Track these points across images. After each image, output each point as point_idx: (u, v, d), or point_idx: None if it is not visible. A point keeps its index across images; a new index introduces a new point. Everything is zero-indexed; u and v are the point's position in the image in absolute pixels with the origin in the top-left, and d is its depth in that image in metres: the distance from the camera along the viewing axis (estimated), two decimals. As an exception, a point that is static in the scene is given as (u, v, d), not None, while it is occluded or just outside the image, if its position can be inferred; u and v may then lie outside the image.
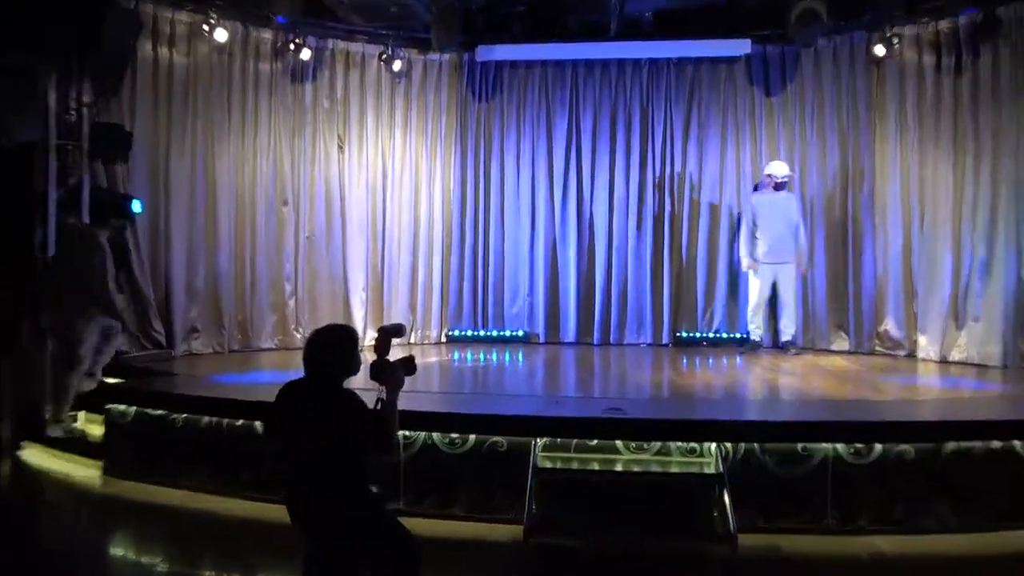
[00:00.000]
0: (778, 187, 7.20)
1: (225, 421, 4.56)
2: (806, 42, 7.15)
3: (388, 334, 2.96)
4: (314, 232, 7.52)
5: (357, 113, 7.74)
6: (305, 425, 2.83)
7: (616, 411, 4.36)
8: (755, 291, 7.28)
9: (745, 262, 7.29)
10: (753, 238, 7.24)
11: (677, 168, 7.91)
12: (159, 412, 4.77)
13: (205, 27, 6.72)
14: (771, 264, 7.18)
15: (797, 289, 7.26)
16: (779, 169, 7.21)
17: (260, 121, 7.22)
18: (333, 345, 2.91)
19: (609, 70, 7.93)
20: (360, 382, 3.02)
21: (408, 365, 2.93)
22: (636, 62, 7.87)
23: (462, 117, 8.05)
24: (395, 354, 2.91)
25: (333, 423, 2.80)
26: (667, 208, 7.87)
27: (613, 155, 7.94)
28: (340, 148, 7.69)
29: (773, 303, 7.35)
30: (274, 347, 7.18)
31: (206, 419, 4.62)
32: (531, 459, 4.10)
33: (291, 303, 7.36)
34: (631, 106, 7.93)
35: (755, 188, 7.46)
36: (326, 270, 7.58)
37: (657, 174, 7.88)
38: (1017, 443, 4.07)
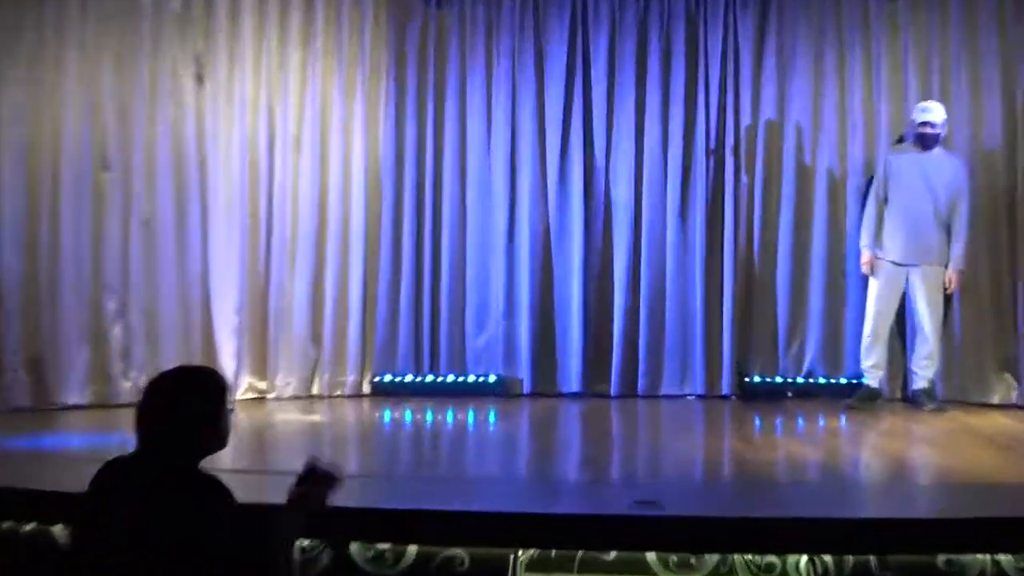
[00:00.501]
0: (926, 141, 7.26)
1: (3, 525, 4.50)
2: None
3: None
4: (155, 215, 7.49)
5: (227, 26, 7.73)
6: (131, 532, 2.80)
7: (648, 505, 4.36)
8: (872, 307, 7.37)
9: (865, 256, 7.39)
10: (880, 221, 7.35)
11: (744, 122, 8.01)
12: None
13: None
14: (904, 265, 7.30)
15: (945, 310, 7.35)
16: (927, 113, 7.26)
17: (66, 40, 7.17)
18: (186, 401, 2.93)
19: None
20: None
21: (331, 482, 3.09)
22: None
23: (398, 38, 8.08)
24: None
25: (176, 532, 2.79)
26: (727, 186, 7.97)
27: (642, 104, 8.03)
28: (199, 81, 7.67)
29: (902, 328, 7.44)
30: (86, 403, 7.10)
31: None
32: (509, 584, 4.10)
33: (116, 330, 7.31)
34: (670, 24, 8.02)
35: (899, 141, 7.58)
36: (174, 277, 7.54)
37: (713, 134, 7.97)
38: None
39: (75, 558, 3.02)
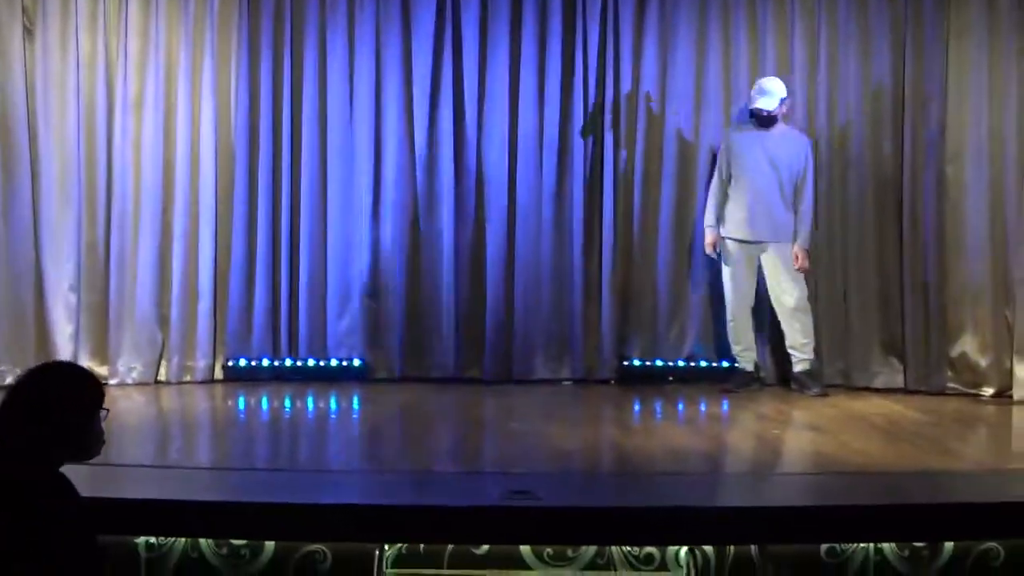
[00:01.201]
0: (762, 119, 7.51)
1: None
2: None
3: None
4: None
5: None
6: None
7: (521, 495, 4.41)
8: (728, 289, 7.63)
9: (709, 236, 7.62)
10: (724, 200, 7.57)
11: (625, 88, 8.08)
12: None
13: None
14: (753, 243, 7.52)
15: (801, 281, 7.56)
16: (762, 99, 7.47)
17: None
18: (54, 406, 2.89)
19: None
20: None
21: None
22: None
23: (252, -13, 7.99)
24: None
25: (28, 548, 2.76)
26: (607, 162, 8.06)
27: (515, 65, 8.06)
28: (28, 33, 7.53)
29: (772, 310, 7.67)
30: None
31: None
32: (374, 581, 4.12)
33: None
34: (547, -13, 8.08)
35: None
36: (2, 253, 7.41)
37: (591, 107, 8.06)
38: None
39: None
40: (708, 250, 7.65)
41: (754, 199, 7.48)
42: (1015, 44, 7.35)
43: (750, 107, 7.53)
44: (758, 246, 7.52)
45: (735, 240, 7.54)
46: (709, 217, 7.63)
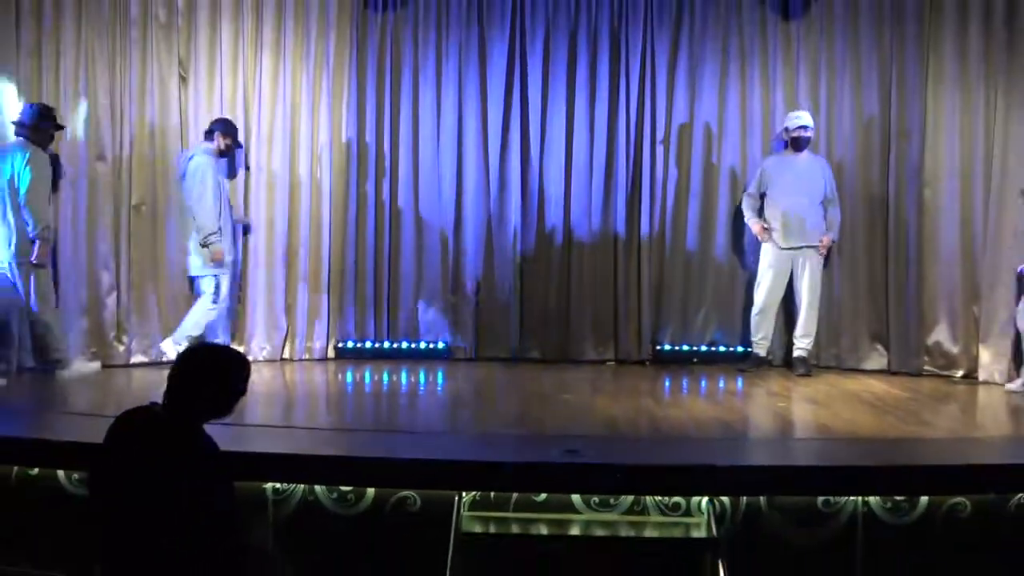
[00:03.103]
0: (800, 144, 7.46)
1: (14, 469, 4.48)
2: None
3: None
4: (144, 200, 7.44)
5: (207, 30, 7.67)
6: (141, 477, 2.82)
7: (573, 454, 4.43)
8: (763, 287, 7.55)
9: (755, 225, 7.57)
10: (759, 205, 7.58)
11: (660, 120, 8.06)
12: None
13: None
14: (787, 250, 7.44)
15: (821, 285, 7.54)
16: (791, 120, 7.50)
17: (64, 42, 7.07)
18: (221, 375, 3.01)
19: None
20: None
21: None
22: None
23: (359, 38, 8.01)
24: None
25: (183, 481, 2.83)
26: (644, 181, 8.03)
27: (571, 100, 8.05)
28: (182, 80, 7.62)
29: (788, 306, 7.60)
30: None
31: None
32: (454, 522, 4.15)
33: (109, 302, 7.27)
34: (596, 37, 8.02)
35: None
36: (161, 254, 7.52)
37: (632, 135, 8.03)
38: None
39: (91, 501, 3.04)
40: (761, 236, 7.56)
41: (789, 212, 7.42)
42: (982, 91, 7.22)
43: (792, 133, 7.45)
44: (794, 252, 7.46)
45: (776, 248, 7.48)
46: (749, 214, 7.59)
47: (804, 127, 7.44)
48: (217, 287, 7.19)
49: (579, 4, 8.03)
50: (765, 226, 7.52)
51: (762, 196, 7.58)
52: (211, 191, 7.11)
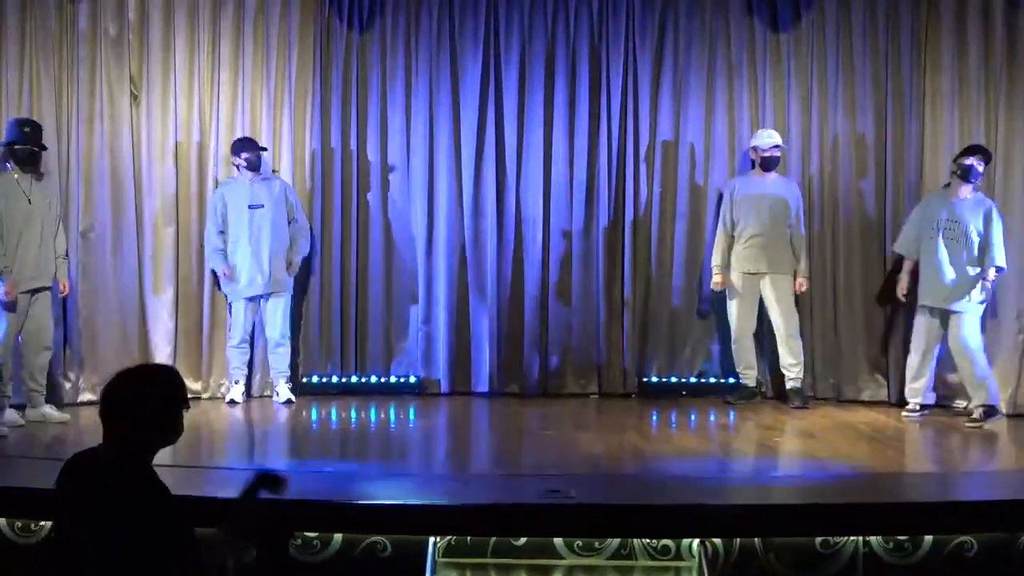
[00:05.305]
0: (767, 165, 7.53)
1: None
2: None
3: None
4: (93, 227, 7.40)
5: (160, 45, 7.65)
6: (89, 525, 2.79)
7: (556, 494, 4.42)
8: (733, 316, 7.63)
9: (717, 277, 7.66)
10: (729, 243, 7.61)
11: (643, 140, 8.09)
12: None
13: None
14: (752, 274, 7.51)
15: (795, 311, 7.58)
16: (763, 139, 7.55)
17: (7, 57, 7.04)
18: (148, 398, 2.89)
19: (543, -12, 8.10)
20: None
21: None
22: (584, -23, 8.08)
23: (324, 55, 7.98)
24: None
25: (125, 528, 2.77)
26: (627, 203, 8.07)
27: (549, 119, 8.07)
28: (134, 98, 7.60)
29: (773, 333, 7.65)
30: (21, 403, 6.93)
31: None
32: (428, 568, 4.13)
33: (56, 336, 7.17)
34: (575, 51, 8.05)
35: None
36: (112, 284, 7.48)
37: (615, 154, 8.08)
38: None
39: (56, 548, 3.00)
40: (715, 287, 7.67)
41: (755, 236, 7.49)
42: (983, 105, 7.33)
43: (763, 153, 7.50)
44: (759, 276, 7.52)
45: (739, 272, 7.55)
46: (716, 259, 7.64)
47: (778, 146, 7.51)
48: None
49: (556, 20, 8.06)
50: (723, 276, 7.58)
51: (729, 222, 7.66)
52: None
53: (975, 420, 6.67)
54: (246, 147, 7.49)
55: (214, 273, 7.64)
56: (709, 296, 7.96)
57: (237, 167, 7.51)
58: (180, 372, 3.15)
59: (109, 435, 2.89)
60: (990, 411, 6.71)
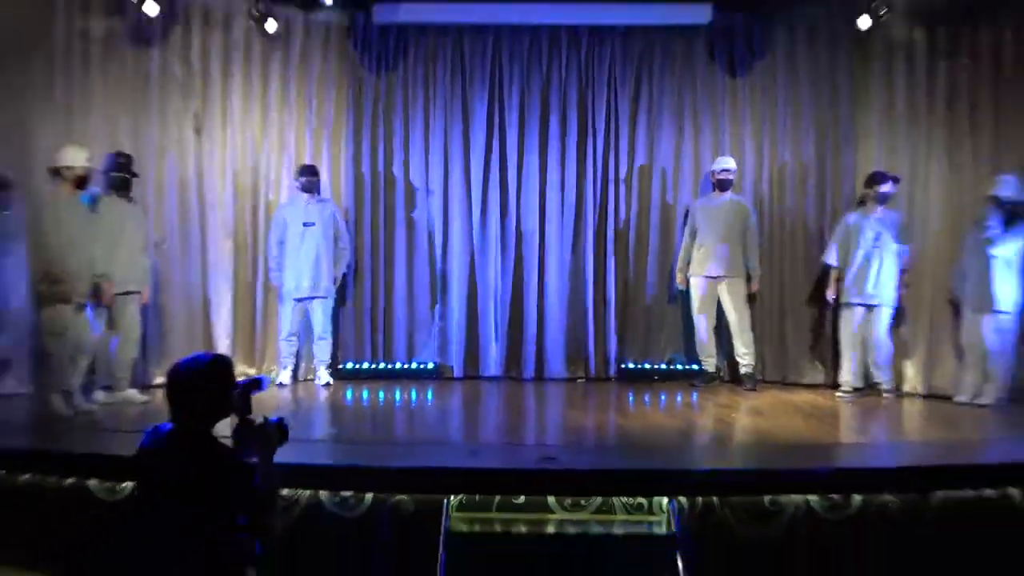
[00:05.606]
0: (721, 186, 7.58)
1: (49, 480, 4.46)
2: None
3: (248, 390, 3.02)
4: (166, 239, 7.44)
5: (219, 87, 7.70)
6: (164, 488, 2.82)
7: (548, 460, 4.45)
8: (696, 314, 7.67)
9: (679, 276, 7.75)
10: (691, 251, 7.70)
11: (623, 163, 8.13)
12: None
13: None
14: (711, 278, 7.56)
15: (747, 308, 7.61)
16: (718, 164, 7.64)
17: (92, 97, 7.08)
18: (195, 381, 2.92)
19: (540, 38, 8.09)
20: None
21: (281, 430, 3.01)
22: (574, 29, 8.06)
23: (356, 97, 8.06)
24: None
25: (199, 489, 2.81)
26: (610, 216, 8.09)
27: (545, 146, 8.12)
28: (197, 132, 7.63)
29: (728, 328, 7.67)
30: (108, 385, 6.97)
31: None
32: (443, 522, 4.16)
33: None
34: (567, 89, 8.10)
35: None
36: (181, 287, 7.50)
37: (599, 180, 8.11)
38: (1015, 491, 4.36)
39: (134, 513, 3.02)
40: (680, 285, 7.75)
41: (713, 246, 7.52)
42: (909, 139, 7.35)
43: (718, 176, 7.56)
44: (717, 280, 7.55)
45: (700, 276, 7.58)
46: (680, 264, 7.74)
47: (727, 170, 7.58)
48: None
49: (551, 69, 8.11)
50: (690, 275, 7.65)
51: (692, 234, 7.71)
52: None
53: (880, 394, 7.02)
54: (304, 172, 7.56)
55: (267, 279, 7.71)
56: (676, 295, 7.99)
57: (299, 187, 7.56)
58: (237, 358, 3.18)
59: (174, 414, 2.94)
60: (893, 390, 7.04)
